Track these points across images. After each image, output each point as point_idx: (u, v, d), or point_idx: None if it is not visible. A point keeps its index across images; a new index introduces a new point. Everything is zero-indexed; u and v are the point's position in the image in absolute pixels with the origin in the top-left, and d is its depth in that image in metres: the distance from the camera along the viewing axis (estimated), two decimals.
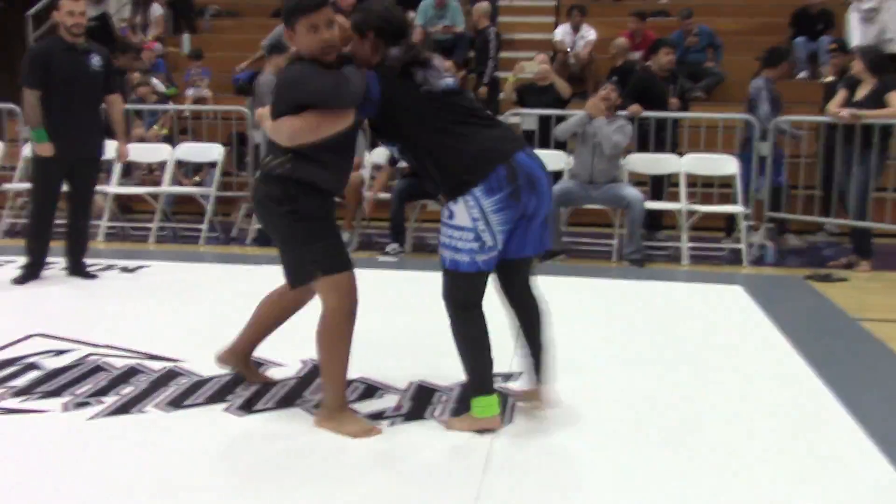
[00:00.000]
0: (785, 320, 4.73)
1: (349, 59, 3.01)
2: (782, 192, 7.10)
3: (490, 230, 2.93)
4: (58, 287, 5.37)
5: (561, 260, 6.56)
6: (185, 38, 10.95)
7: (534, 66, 7.82)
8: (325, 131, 2.90)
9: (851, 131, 6.43)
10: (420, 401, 3.41)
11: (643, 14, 9.77)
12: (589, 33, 9.61)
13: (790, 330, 4.52)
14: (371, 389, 3.52)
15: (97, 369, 3.71)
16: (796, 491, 2.67)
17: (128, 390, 3.47)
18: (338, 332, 3.03)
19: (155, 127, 8.38)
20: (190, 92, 9.54)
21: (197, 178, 7.96)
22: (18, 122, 7.87)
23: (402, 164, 6.91)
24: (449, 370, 3.72)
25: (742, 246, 6.69)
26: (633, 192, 6.51)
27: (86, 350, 3.97)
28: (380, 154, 7.29)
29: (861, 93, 6.45)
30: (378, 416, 3.23)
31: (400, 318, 4.66)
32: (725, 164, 7.11)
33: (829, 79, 8.18)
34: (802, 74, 9.79)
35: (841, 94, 6.59)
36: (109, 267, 5.94)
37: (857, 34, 9.14)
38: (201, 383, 3.55)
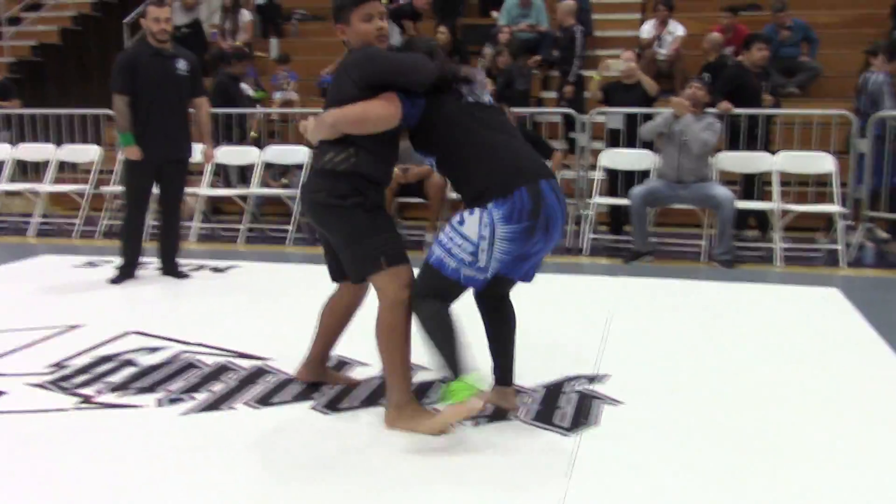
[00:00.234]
0: (884, 324, 4.53)
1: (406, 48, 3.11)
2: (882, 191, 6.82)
3: (489, 253, 2.91)
4: (152, 286, 5.53)
5: (648, 261, 6.44)
6: (273, 42, 11.17)
7: (619, 65, 7.70)
8: (369, 126, 2.96)
9: None
10: None
11: (735, 8, 9.52)
12: (677, 29, 9.41)
13: (889, 334, 4.33)
14: None
15: (189, 366, 3.80)
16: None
17: (218, 387, 3.54)
18: (400, 326, 3.03)
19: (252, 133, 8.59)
20: (277, 95, 9.72)
21: (284, 180, 8.10)
22: (115, 127, 8.13)
23: None
24: (534, 371, 3.69)
25: (839, 246, 6.44)
26: (723, 192, 6.35)
27: (178, 348, 4.08)
28: None
29: None
30: None
31: (481, 319, 4.63)
32: (821, 162, 6.86)
33: None
34: None
35: None
36: (201, 267, 6.09)
37: None
38: (289, 381, 3.60)
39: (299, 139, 8.31)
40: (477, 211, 2.91)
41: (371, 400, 3.40)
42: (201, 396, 3.43)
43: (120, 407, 3.34)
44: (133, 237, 5.63)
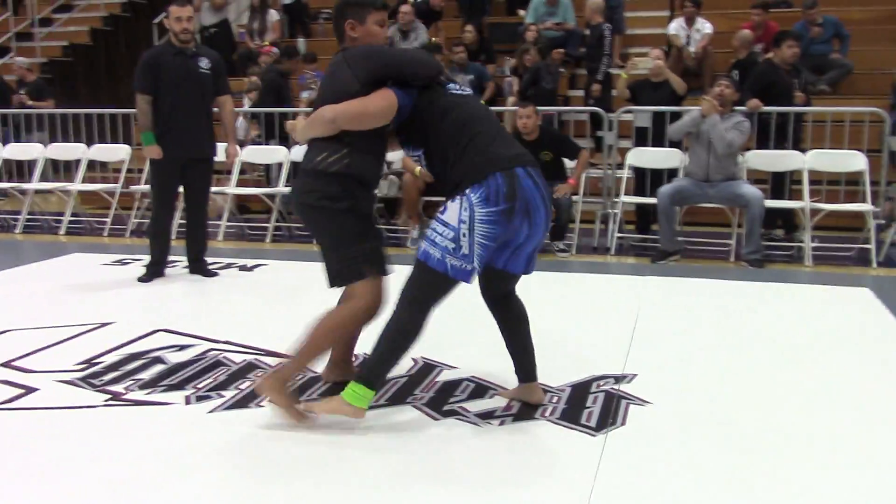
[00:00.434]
0: None
1: None
2: None
3: (470, 238, 2.90)
4: (180, 284, 5.57)
5: (676, 260, 6.39)
6: (300, 42, 11.22)
7: (647, 63, 7.65)
8: (368, 121, 2.98)
9: None
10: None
11: (766, 5, 9.42)
12: (704, 26, 9.33)
13: None
14: (481, 389, 3.51)
15: (217, 364, 3.82)
16: None
17: (246, 385, 3.56)
18: (348, 329, 3.11)
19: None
20: (304, 95, 9.75)
21: None
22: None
23: None
24: (560, 370, 3.68)
25: (871, 246, 6.36)
26: (751, 191, 6.28)
27: (207, 345, 4.11)
28: None
29: None
30: (488, 415, 3.22)
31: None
32: (853, 160, 6.77)
33: None
34: None
35: None
36: (229, 265, 6.13)
37: None
38: (316, 379, 3.61)
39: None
40: (458, 198, 2.93)
41: (398, 398, 3.40)
42: (229, 394, 3.45)
43: (149, 404, 3.37)
44: (160, 236, 5.68)
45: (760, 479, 2.70)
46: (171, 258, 5.79)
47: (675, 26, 9.46)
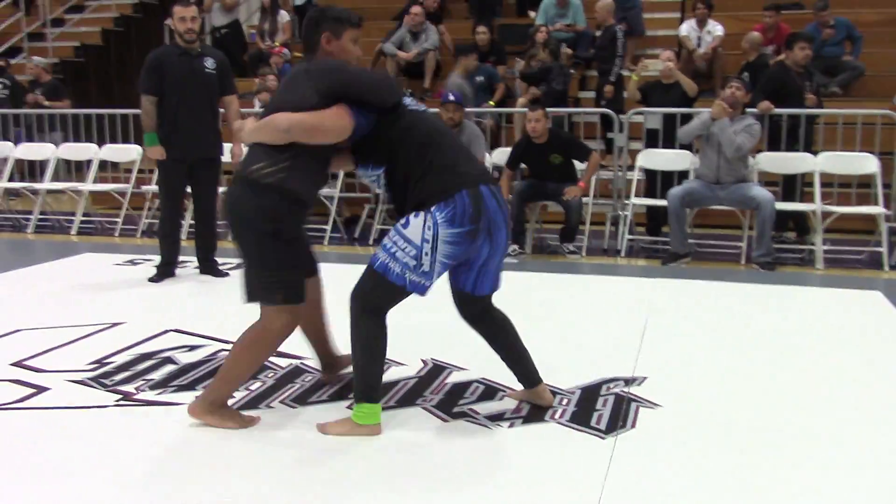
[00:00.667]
0: None
1: None
2: None
3: (432, 257, 2.89)
4: (191, 285, 5.59)
5: (686, 263, 6.38)
6: None
7: (657, 65, 7.64)
8: (322, 137, 2.93)
9: None
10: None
11: (777, 7, 9.39)
12: (716, 28, 9.30)
13: None
14: (491, 391, 3.51)
15: None
16: None
17: (256, 386, 3.57)
18: (269, 349, 3.11)
19: None
20: None
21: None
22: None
23: (523, 165, 6.90)
24: (570, 372, 3.68)
25: (883, 249, 6.33)
26: (762, 193, 6.27)
27: (217, 346, 4.12)
28: (500, 155, 7.26)
29: None
30: (498, 417, 3.22)
31: (520, 321, 4.61)
32: (864, 163, 6.75)
33: None
34: None
35: None
36: (240, 265, 6.12)
37: None
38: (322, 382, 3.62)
39: None
40: (421, 214, 2.90)
41: (407, 400, 3.40)
42: (239, 395, 3.46)
43: (159, 404, 3.39)
44: (170, 236, 5.69)
45: (771, 483, 2.69)
46: (181, 258, 5.81)
47: (687, 28, 9.44)
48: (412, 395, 3.46)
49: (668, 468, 2.80)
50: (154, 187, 7.72)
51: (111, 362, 3.88)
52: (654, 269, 6.25)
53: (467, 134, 7.01)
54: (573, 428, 3.13)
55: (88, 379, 3.66)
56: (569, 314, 4.80)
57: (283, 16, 10.84)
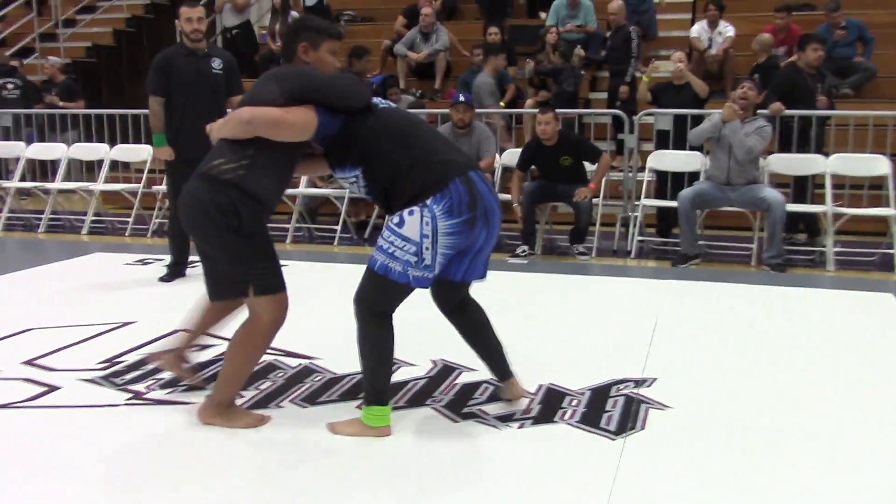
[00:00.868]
0: None
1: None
2: None
3: (433, 251, 2.88)
4: (201, 285, 5.57)
5: (696, 264, 6.36)
6: None
7: (668, 66, 7.62)
8: (284, 132, 2.91)
9: None
10: (549, 404, 3.37)
11: (789, 8, 9.36)
12: (727, 30, 9.28)
13: None
14: (500, 391, 3.50)
15: None
16: None
17: (265, 385, 3.58)
18: (262, 342, 3.09)
19: None
20: None
21: (332, 180, 8.14)
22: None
23: (533, 166, 6.89)
24: (580, 373, 3.67)
25: (895, 251, 6.30)
26: (773, 194, 6.24)
27: (227, 346, 4.11)
28: (511, 156, 7.26)
29: None
30: (507, 418, 3.22)
31: (529, 321, 4.63)
32: (876, 164, 6.71)
33: None
34: None
35: None
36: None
37: None
38: (335, 381, 3.63)
39: None
40: (416, 211, 2.87)
41: (417, 400, 3.41)
42: (249, 394, 3.47)
43: (170, 403, 3.40)
44: (180, 236, 5.70)
45: (780, 485, 2.68)
46: (192, 258, 5.82)
47: (698, 29, 9.42)
48: (422, 395, 3.46)
49: (678, 470, 2.79)
50: (164, 187, 7.75)
51: (122, 361, 3.90)
52: (665, 271, 6.23)
53: (477, 135, 7.02)
54: (583, 429, 3.13)
55: (100, 378, 3.67)
56: (578, 315, 4.80)
57: (294, 17, 10.86)
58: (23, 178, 8.71)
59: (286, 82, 2.95)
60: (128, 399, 3.44)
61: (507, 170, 7.40)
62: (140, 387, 3.57)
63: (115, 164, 8.63)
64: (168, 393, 3.50)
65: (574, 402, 3.38)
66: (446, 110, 7.41)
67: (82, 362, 3.87)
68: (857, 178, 7.03)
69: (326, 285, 5.59)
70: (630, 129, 7.38)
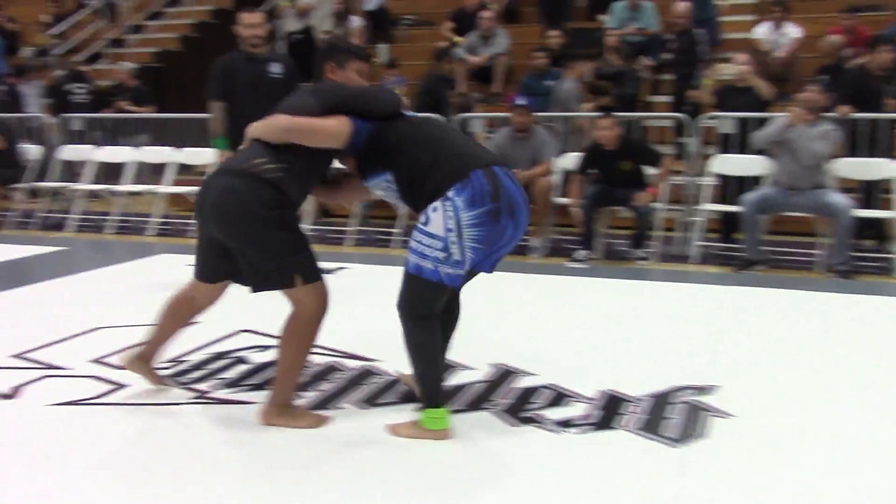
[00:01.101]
0: None
1: None
2: None
3: (460, 244, 2.88)
4: None
5: (760, 270, 6.24)
6: (382, 47, 11.34)
7: (731, 68, 7.50)
8: (320, 137, 3.03)
9: None
10: (610, 411, 3.34)
11: (855, 9, 9.14)
12: (792, 31, 9.10)
13: None
14: (559, 397, 3.49)
15: None
16: None
17: (327, 387, 3.62)
18: (310, 335, 3.12)
19: None
20: None
21: None
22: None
23: (592, 169, 6.84)
24: (641, 380, 3.64)
25: None
26: (840, 199, 6.10)
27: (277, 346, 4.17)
28: (570, 161, 7.22)
29: None
30: (565, 424, 3.20)
31: (588, 326, 4.59)
32: None
33: None
34: None
35: None
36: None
37: None
38: (395, 382, 3.65)
39: None
40: (439, 206, 2.90)
41: (476, 403, 3.41)
42: (310, 395, 3.51)
43: (233, 403, 3.46)
44: None
45: (850, 500, 2.62)
46: None
47: (762, 31, 9.25)
48: (480, 399, 3.46)
49: (743, 481, 2.75)
50: None
51: (186, 361, 3.97)
52: (727, 277, 6.13)
53: (537, 139, 6.99)
54: (644, 436, 3.10)
55: (166, 377, 3.75)
56: (639, 321, 4.75)
57: (355, 21, 10.97)
58: (93, 181, 8.94)
59: (322, 95, 3.10)
60: (192, 398, 3.51)
61: (566, 174, 7.36)
62: (204, 386, 3.64)
63: (182, 167, 8.81)
64: (231, 393, 3.56)
65: (634, 409, 3.35)
66: (505, 114, 7.40)
67: None
68: None
69: (386, 288, 5.60)
70: (693, 133, 7.28)
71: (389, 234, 7.54)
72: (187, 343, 4.22)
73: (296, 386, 3.27)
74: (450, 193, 2.90)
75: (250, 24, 5.55)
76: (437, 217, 2.91)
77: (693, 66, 8.59)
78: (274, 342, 4.23)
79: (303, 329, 3.12)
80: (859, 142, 6.77)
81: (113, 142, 9.41)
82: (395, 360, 3.81)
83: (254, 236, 3.02)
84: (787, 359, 4.03)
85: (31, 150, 9.05)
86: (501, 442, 3.06)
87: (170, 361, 3.94)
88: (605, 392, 3.52)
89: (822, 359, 4.04)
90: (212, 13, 13.46)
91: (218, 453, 2.98)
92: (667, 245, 6.91)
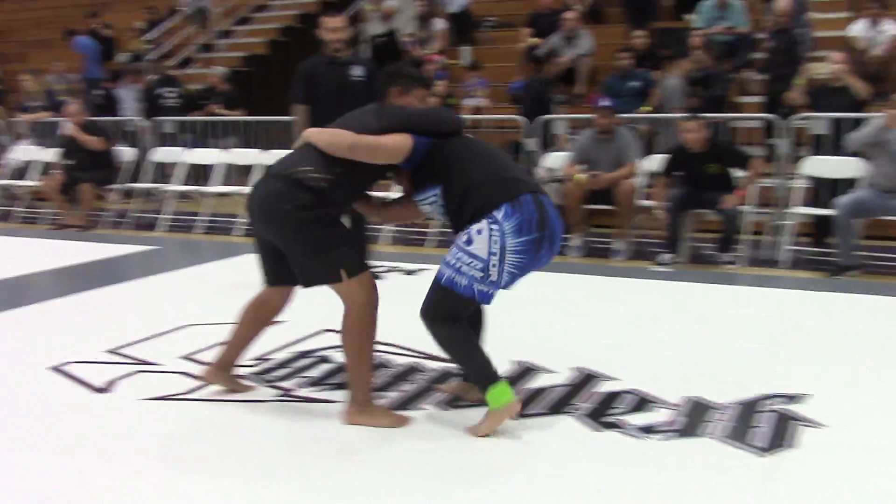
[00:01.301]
0: None
1: None
2: None
3: (500, 268, 2.94)
4: None
5: (854, 276, 6.02)
6: (465, 49, 11.36)
7: (825, 67, 7.26)
8: (381, 155, 3.12)
9: None
10: (694, 417, 3.27)
11: None
12: (890, 28, 8.76)
13: None
14: (643, 402, 3.43)
15: (379, 366, 3.91)
16: None
17: (408, 387, 3.63)
18: (367, 327, 3.15)
19: None
20: (468, 102, 9.87)
21: None
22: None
23: (678, 172, 6.72)
24: (727, 387, 3.55)
25: None
26: None
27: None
28: (655, 163, 7.10)
29: None
30: (648, 430, 3.15)
31: (674, 330, 4.50)
32: None
33: None
34: None
35: None
36: (392, 269, 6.27)
37: None
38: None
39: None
40: (485, 228, 2.95)
41: (557, 407, 3.38)
42: (391, 395, 3.53)
43: (317, 401, 3.50)
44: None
45: None
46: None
47: (859, 28, 8.93)
48: (561, 403, 3.43)
49: (832, 493, 2.65)
50: None
51: (271, 359, 4.04)
52: (819, 282, 5.93)
53: (620, 141, 6.90)
54: (730, 444, 3.02)
55: (252, 374, 3.82)
56: (725, 326, 4.63)
57: (438, 23, 11.02)
58: (182, 183, 9.20)
59: (384, 114, 3.20)
60: (277, 395, 3.57)
61: (650, 176, 7.24)
62: (288, 384, 3.69)
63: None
64: (315, 391, 3.61)
65: (720, 416, 3.27)
66: (589, 115, 7.32)
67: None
68: None
69: None
70: (784, 134, 7.07)
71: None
72: (272, 342, 4.30)
73: (370, 381, 3.29)
74: (498, 215, 2.96)
75: (332, 27, 5.62)
76: (482, 240, 2.97)
77: (791, 67, 8.32)
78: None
79: (357, 323, 3.17)
80: None
81: (202, 144, 9.67)
82: None
83: (296, 235, 3.10)
84: (882, 368, 3.88)
85: (126, 152, 9.37)
86: (582, 447, 3.02)
87: (255, 359, 4.01)
88: (689, 398, 3.45)
89: None
90: (298, 17, 13.70)
91: (303, 450, 3.02)
92: (755, 249, 6.73)
